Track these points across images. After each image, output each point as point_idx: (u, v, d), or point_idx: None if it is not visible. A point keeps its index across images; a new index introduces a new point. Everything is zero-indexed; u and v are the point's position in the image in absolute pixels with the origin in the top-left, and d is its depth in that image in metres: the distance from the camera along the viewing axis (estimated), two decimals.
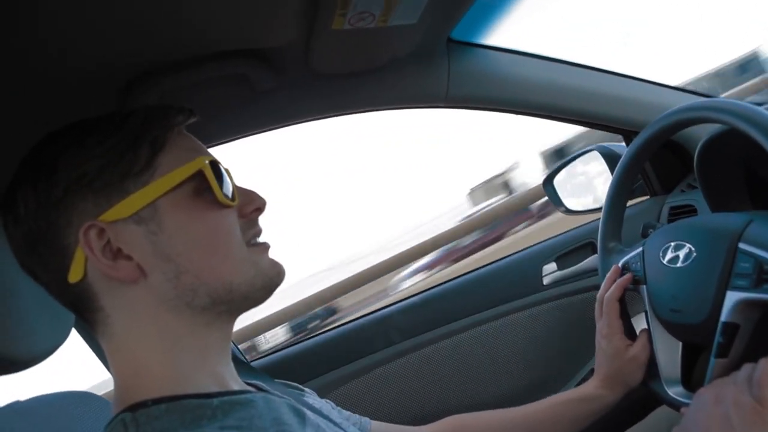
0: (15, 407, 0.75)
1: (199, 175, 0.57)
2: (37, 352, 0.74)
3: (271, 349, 1.26)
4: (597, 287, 1.04)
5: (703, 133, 0.97)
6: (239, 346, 1.17)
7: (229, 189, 0.60)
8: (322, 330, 1.27)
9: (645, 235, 0.96)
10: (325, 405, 0.79)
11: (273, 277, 0.62)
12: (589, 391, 0.89)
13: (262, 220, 0.65)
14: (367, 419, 0.86)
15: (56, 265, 0.55)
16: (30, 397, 0.78)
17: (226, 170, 0.62)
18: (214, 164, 0.59)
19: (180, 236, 0.56)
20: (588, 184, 1.39)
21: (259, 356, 1.23)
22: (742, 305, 0.70)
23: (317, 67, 0.92)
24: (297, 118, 1.02)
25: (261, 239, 0.64)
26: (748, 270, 0.69)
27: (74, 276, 0.54)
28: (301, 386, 0.81)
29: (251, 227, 0.63)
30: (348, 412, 0.85)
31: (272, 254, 0.64)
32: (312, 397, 0.78)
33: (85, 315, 0.57)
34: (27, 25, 0.57)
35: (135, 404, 0.52)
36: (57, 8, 0.57)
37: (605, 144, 1.31)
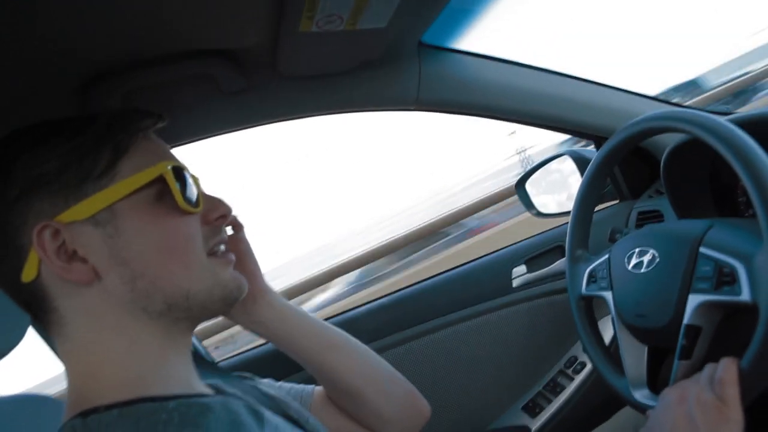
0: None
1: (161, 180, 0.57)
2: None
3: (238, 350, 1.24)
4: (564, 290, 1.05)
5: (670, 140, 0.99)
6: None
7: (192, 195, 0.59)
8: None
9: (612, 240, 0.97)
10: (276, 388, 0.80)
11: (233, 290, 0.61)
12: None
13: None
14: (310, 387, 0.86)
15: (10, 265, 0.54)
16: None
17: (192, 176, 0.61)
18: (178, 170, 0.59)
19: (137, 240, 0.55)
20: (563, 182, 1.40)
21: (227, 357, 1.21)
22: (704, 307, 0.72)
23: (285, 70, 0.91)
24: (266, 119, 1.00)
25: (224, 254, 0.63)
26: (709, 273, 0.71)
27: (27, 276, 0.54)
28: (252, 375, 0.80)
29: (215, 235, 0.62)
30: (290, 385, 0.85)
31: (231, 269, 0.63)
32: (265, 386, 0.77)
33: (40, 315, 0.56)
34: None
35: (87, 410, 0.51)
36: (18, 5, 0.55)
37: (576, 148, 1.33)
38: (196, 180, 0.62)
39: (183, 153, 1.07)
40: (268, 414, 0.61)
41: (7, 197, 0.53)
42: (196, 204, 0.59)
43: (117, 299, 0.55)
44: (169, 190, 0.57)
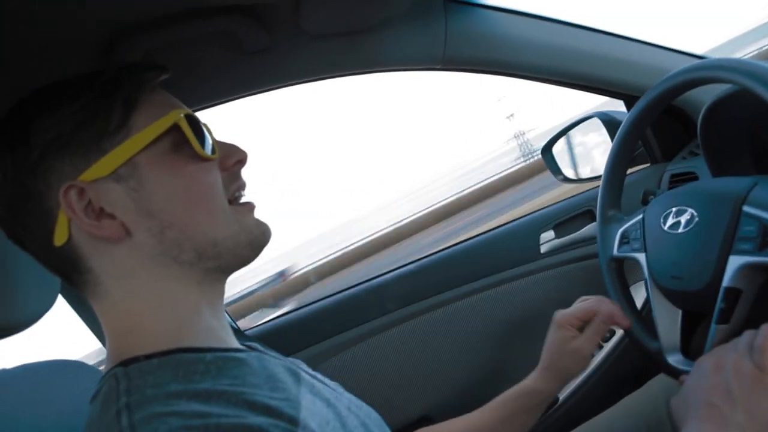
0: (1, 375, 0.73)
1: (176, 129, 0.57)
2: (23, 319, 0.73)
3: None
4: (595, 255, 1.02)
5: (706, 98, 0.95)
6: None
7: (208, 143, 0.59)
8: (316, 299, 1.25)
9: (645, 202, 0.94)
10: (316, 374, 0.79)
11: (258, 235, 0.61)
12: (528, 385, 0.88)
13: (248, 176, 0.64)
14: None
15: (41, 231, 0.55)
16: (17, 365, 0.77)
17: (205, 125, 0.61)
18: (191, 118, 0.59)
19: (161, 191, 0.55)
20: (586, 155, 1.37)
21: (252, 326, 1.22)
22: (746, 270, 0.69)
23: (308, 27, 0.89)
24: (289, 80, 0.99)
25: (245, 199, 0.63)
26: (753, 233, 0.68)
27: (59, 239, 0.54)
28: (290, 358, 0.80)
29: (234, 180, 0.62)
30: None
31: (257, 214, 0.63)
32: (302, 365, 0.77)
33: (74, 277, 0.57)
34: None
35: (127, 359, 0.52)
36: None
37: (605, 110, 1.29)
38: (208, 128, 0.62)
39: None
40: (304, 374, 0.62)
41: (28, 162, 0.53)
42: (213, 151, 0.59)
43: (148, 253, 0.56)
44: (186, 139, 0.57)
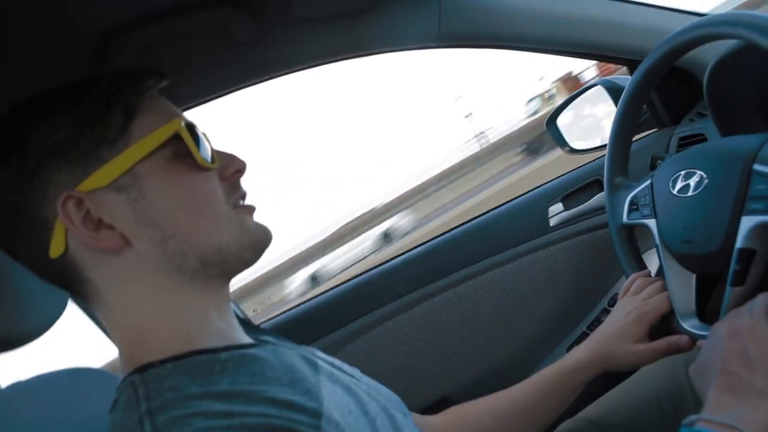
0: (17, 387, 0.74)
1: (176, 138, 0.56)
2: (33, 329, 0.73)
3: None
4: (605, 225, 1.01)
5: (710, 57, 0.93)
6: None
7: (207, 152, 0.59)
8: (327, 289, 1.25)
9: (653, 167, 0.92)
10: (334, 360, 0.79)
11: (261, 236, 0.61)
12: (578, 361, 0.83)
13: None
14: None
15: (36, 241, 0.54)
16: (32, 375, 0.77)
17: (203, 134, 0.60)
18: (191, 127, 0.58)
19: (163, 201, 0.55)
20: (596, 126, 1.35)
21: (266, 320, 1.22)
22: (759, 229, 0.67)
23: (300, 12, 0.88)
24: (283, 68, 0.98)
25: (246, 202, 0.63)
26: (765, 192, 0.66)
27: (56, 250, 0.53)
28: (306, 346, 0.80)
29: (235, 190, 0.61)
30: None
31: (257, 217, 0.63)
32: (319, 353, 0.77)
33: (75, 289, 0.57)
34: None
35: (142, 366, 0.51)
36: None
37: (609, 77, 1.26)
38: (207, 137, 0.61)
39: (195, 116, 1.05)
40: (322, 362, 0.61)
41: (24, 171, 0.52)
42: (212, 161, 0.59)
43: (150, 262, 0.55)
44: (186, 148, 0.56)
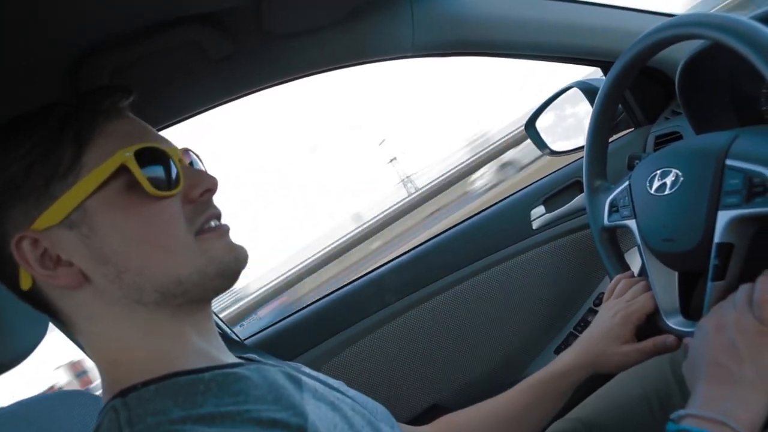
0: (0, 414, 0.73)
1: (125, 168, 0.53)
2: (16, 353, 0.72)
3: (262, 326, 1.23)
4: (587, 226, 1.01)
5: (681, 56, 0.94)
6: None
7: (169, 176, 0.56)
8: (313, 300, 1.24)
9: (631, 167, 0.93)
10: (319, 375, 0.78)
11: (229, 262, 0.58)
12: (558, 369, 0.84)
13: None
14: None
15: (7, 275, 0.54)
16: (14, 401, 0.76)
17: (171, 151, 0.57)
18: (147, 152, 0.55)
19: (114, 235, 0.53)
20: (578, 126, 1.35)
21: (250, 335, 1.21)
22: (735, 223, 0.68)
23: (272, 27, 0.88)
24: (258, 84, 0.97)
25: (216, 223, 0.60)
26: (738, 186, 0.67)
27: (24, 284, 0.53)
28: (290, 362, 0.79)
29: (202, 211, 0.58)
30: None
31: (231, 237, 0.59)
32: (303, 368, 0.76)
33: (50, 316, 0.57)
34: None
35: (124, 389, 0.51)
36: None
37: (584, 79, 1.28)
38: (175, 155, 0.57)
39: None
40: (305, 379, 0.60)
41: None
42: (175, 184, 0.56)
43: (109, 297, 0.54)
44: (135, 179, 0.53)
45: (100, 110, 0.55)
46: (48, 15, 0.61)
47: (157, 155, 0.56)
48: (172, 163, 0.56)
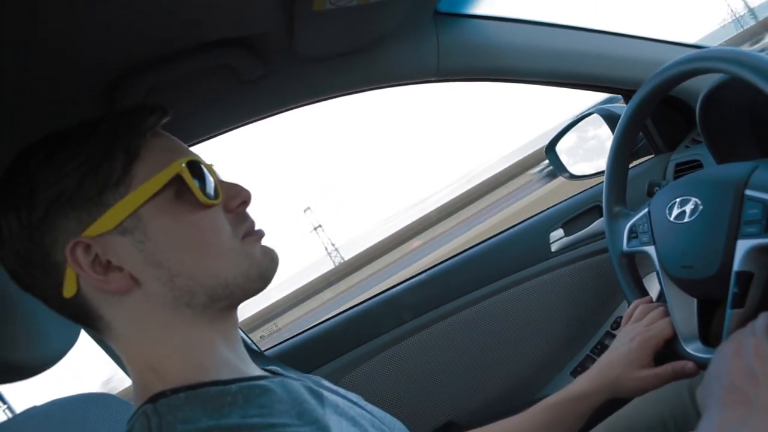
0: (32, 413, 0.75)
1: (178, 178, 0.57)
2: (47, 357, 0.74)
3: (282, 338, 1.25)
4: (606, 250, 1.02)
5: (703, 85, 0.95)
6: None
7: (211, 187, 0.59)
8: (331, 315, 1.26)
9: (650, 194, 0.94)
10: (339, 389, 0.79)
11: (268, 265, 0.62)
12: (576, 391, 0.83)
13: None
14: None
15: (50, 283, 0.56)
16: (46, 401, 0.78)
17: (208, 167, 0.61)
18: (193, 164, 0.58)
19: (167, 241, 0.56)
20: (600, 148, 1.36)
21: (270, 346, 1.23)
22: (754, 252, 0.69)
23: (303, 51, 0.91)
24: (287, 105, 1.00)
25: (254, 232, 0.63)
26: (757, 216, 0.68)
27: (68, 292, 0.55)
28: (311, 375, 0.80)
29: (242, 221, 0.62)
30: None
31: (265, 241, 0.63)
32: (324, 382, 0.78)
33: (89, 324, 0.58)
34: (6, 29, 0.57)
35: (154, 395, 0.52)
36: (37, 9, 0.56)
37: (605, 105, 1.29)
38: (211, 169, 0.61)
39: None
40: (327, 393, 0.62)
41: (33, 220, 0.54)
42: (216, 195, 0.59)
43: (159, 301, 0.56)
44: (188, 187, 0.57)
45: (146, 126, 0.58)
46: (88, 35, 0.65)
47: (200, 168, 0.59)
48: (211, 176, 0.60)
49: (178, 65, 0.81)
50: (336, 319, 1.24)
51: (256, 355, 1.15)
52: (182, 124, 0.96)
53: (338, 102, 1.07)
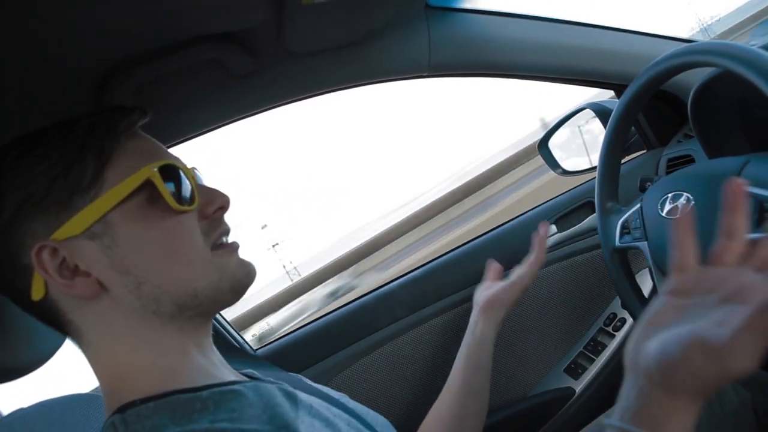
0: (19, 415, 0.74)
1: (149, 183, 0.55)
2: (33, 359, 0.73)
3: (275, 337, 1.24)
4: (598, 246, 1.02)
5: (695, 79, 0.95)
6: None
7: (186, 192, 0.58)
8: (325, 312, 1.25)
9: (643, 189, 0.94)
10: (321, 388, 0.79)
11: (242, 278, 0.60)
12: (477, 337, 0.99)
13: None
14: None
15: (19, 285, 0.55)
16: (34, 403, 0.77)
17: (187, 170, 0.59)
18: (168, 168, 0.57)
19: (136, 247, 0.55)
20: (593, 142, 1.36)
21: (263, 345, 1.22)
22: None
23: (293, 46, 0.90)
24: (278, 101, 1.00)
25: (229, 239, 0.62)
26: (749, 210, 0.68)
27: (36, 295, 0.54)
28: (293, 375, 0.80)
29: (216, 227, 0.60)
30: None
31: (241, 254, 0.61)
32: (305, 381, 0.77)
33: (59, 328, 0.57)
34: None
35: (124, 405, 0.51)
36: (25, 7, 0.56)
37: (597, 101, 1.29)
38: (189, 173, 0.60)
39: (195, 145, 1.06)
40: (302, 395, 0.61)
41: (1, 221, 0.53)
42: (191, 200, 0.58)
43: (126, 307, 0.55)
44: (160, 193, 0.55)
45: (120, 129, 0.57)
46: (77, 32, 0.64)
47: (176, 172, 0.58)
48: (188, 181, 0.59)
49: (168, 61, 0.80)
50: (330, 317, 1.23)
51: (246, 356, 1.15)
52: (173, 120, 0.95)
53: (301, 105, 1.06)
